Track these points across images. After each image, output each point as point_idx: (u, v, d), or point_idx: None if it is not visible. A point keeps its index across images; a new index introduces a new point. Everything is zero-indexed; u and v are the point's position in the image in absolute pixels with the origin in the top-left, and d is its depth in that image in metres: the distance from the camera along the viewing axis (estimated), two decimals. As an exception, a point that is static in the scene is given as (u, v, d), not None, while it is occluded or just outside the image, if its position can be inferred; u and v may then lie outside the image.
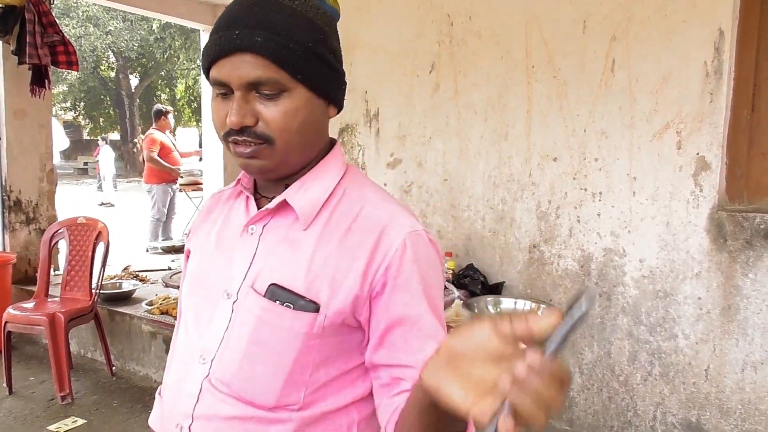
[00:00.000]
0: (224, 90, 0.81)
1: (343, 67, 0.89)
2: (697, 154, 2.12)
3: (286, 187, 0.87)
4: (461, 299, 2.39)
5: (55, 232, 3.64)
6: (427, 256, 0.84)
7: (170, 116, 6.62)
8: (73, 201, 11.34)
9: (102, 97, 24.66)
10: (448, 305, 2.37)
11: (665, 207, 2.20)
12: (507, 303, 2.37)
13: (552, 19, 2.38)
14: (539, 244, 2.50)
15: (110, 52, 21.52)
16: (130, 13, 6.56)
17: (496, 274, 2.61)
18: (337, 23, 0.89)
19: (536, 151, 2.47)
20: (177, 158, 6.57)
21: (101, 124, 26.35)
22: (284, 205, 0.86)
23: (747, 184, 2.15)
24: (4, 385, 3.31)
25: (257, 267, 0.86)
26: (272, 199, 0.89)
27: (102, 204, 13.56)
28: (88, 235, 3.60)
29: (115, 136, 27.10)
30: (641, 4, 2.18)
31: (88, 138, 25.92)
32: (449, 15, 2.65)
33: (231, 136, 0.81)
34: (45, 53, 4.08)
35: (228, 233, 0.93)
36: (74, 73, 5.24)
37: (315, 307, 0.81)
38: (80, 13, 18.66)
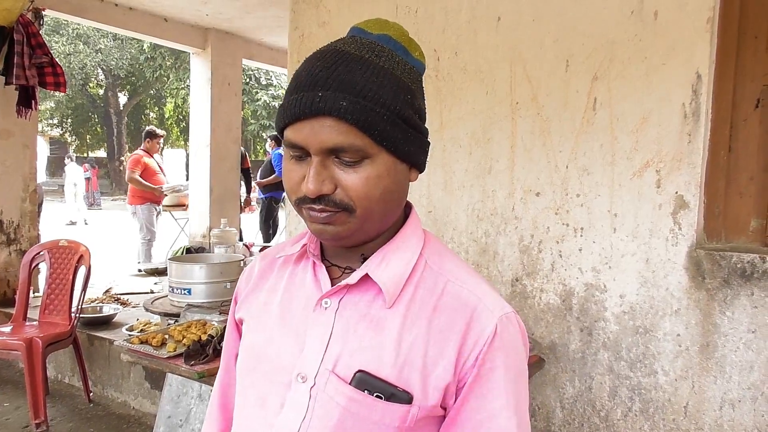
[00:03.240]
0: (300, 153, 0.75)
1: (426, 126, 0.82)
2: (676, 192, 2.16)
3: (362, 257, 0.81)
4: (444, 332, 2.39)
5: (35, 255, 3.62)
6: (514, 343, 0.78)
7: (161, 141, 6.60)
8: (44, 219, 11.17)
9: (90, 114, 24.62)
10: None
11: (645, 244, 2.23)
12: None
13: (536, 57, 2.43)
14: (522, 278, 2.52)
15: (99, 69, 21.55)
16: (124, 34, 6.58)
17: (479, 307, 2.61)
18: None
19: (519, 186, 2.51)
20: (162, 181, 6.54)
21: (88, 141, 26.26)
22: (364, 279, 0.79)
23: (725, 223, 2.19)
24: (-22, 411, 3.25)
25: (336, 348, 0.78)
26: (344, 269, 0.83)
27: (71, 223, 13.38)
28: (70, 258, 3.57)
29: (101, 153, 26.97)
30: (622, 46, 2.23)
31: (75, 155, 25.70)
32: (436, 50, 2.70)
33: (306, 203, 0.75)
34: (33, 74, 4.09)
35: (295, 306, 0.84)
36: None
37: (408, 398, 0.74)
38: (70, 31, 18.71)
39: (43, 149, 6.06)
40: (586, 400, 2.38)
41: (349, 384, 0.75)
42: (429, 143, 0.83)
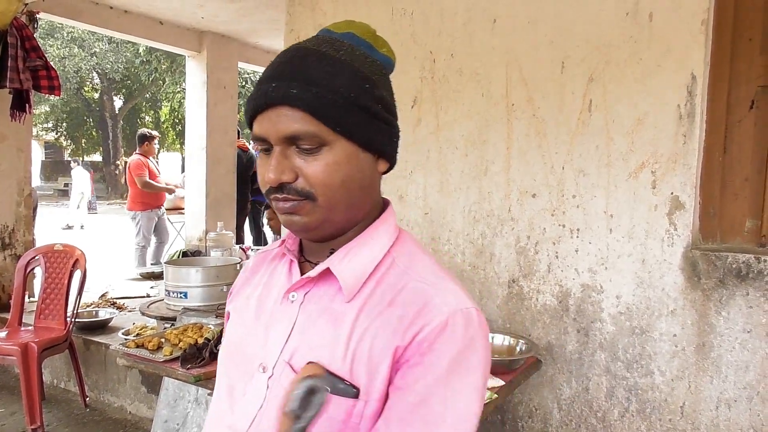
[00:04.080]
0: (265, 146, 0.77)
1: (396, 118, 0.84)
2: (672, 193, 2.17)
3: (331, 251, 0.82)
4: (441, 334, 2.39)
5: (30, 259, 3.60)
6: (470, 339, 0.74)
7: (155, 142, 6.56)
8: (39, 223, 11.13)
9: (85, 118, 24.55)
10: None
11: (641, 245, 2.24)
12: (486, 338, 2.37)
13: (531, 59, 2.44)
14: (518, 279, 2.52)
15: (95, 73, 21.49)
16: (119, 37, 6.56)
17: (476, 309, 2.61)
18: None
19: (516, 187, 2.51)
20: (161, 183, 6.52)
21: (83, 145, 26.19)
22: (328, 273, 0.80)
23: (720, 223, 2.20)
24: (-27, 416, 3.23)
25: (295, 340, 0.79)
26: (314, 263, 0.83)
27: (68, 227, 13.30)
28: (65, 263, 3.56)
29: (97, 157, 26.89)
30: (617, 48, 2.24)
31: (69, 159, 25.65)
32: (432, 52, 2.70)
33: (272, 193, 0.77)
34: (27, 77, 4.07)
35: (268, 299, 0.87)
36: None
37: (354, 393, 0.73)
38: (65, 34, 18.65)
39: (37, 153, 6.05)
40: (583, 401, 2.38)
41: None
42: (398, 134, 0.84)
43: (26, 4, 4.14)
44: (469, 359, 0.74)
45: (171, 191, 6.53)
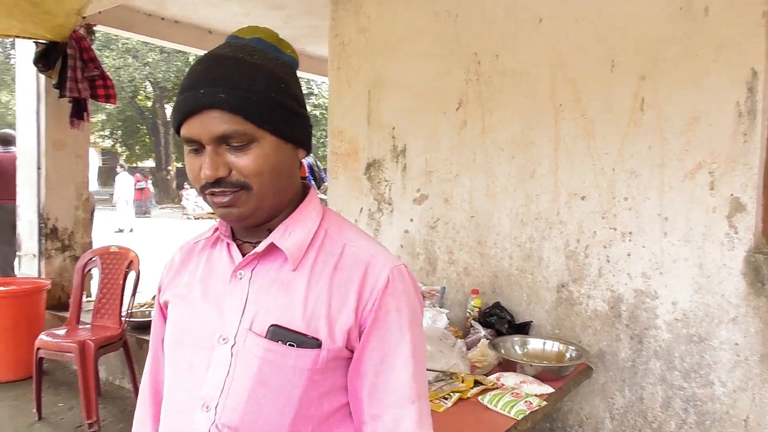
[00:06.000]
0: (195, 146, 0.85)
1: (307, 111, 0.93)
2: (731, 195, 2.07)
3: (268, 232, 0.91)
4: (487, 338, 2.35)
5: (88, 260, 3.73)
6: (406, 291, 0.90)
7: None
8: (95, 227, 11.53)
9: (138, 125, 25.42)
10: (473, 344, 2.34)
11: (698, 249, 2.14)
12: (535, 343, 2.32)
13: (578, 58, 2.38)
14: (568, 284, 2.46)
15: (147, 82, 22.23)
16: (168, 47, 6.75)
17: (524, 313, 2.57)
18: (297, 70, 0.94)
19: (564, 189, 2.45)
20: None
21: (137, 151, 27.10)
22: (271, 248, 0.90)
23: (784, 226, 2.09)
24: (34, 410, 3.37)
25: (252, 310, 0.88)
26: (254, 243, 0.92)
27: (119, 230, 13.73)
28: (120, 264, 3.67)
29: (150, 163, 27.78)
30: (670, 44, 2.16)
31: (126, 165, 26.56)
32: (476, 54, 2.67)
33: (207, 188, 0.85)
34: (84, 87, 4.23)
35: (214, 281, 0.94)
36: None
37: (317, 344, 0.85)
38: (120, 45, 19.36)
39: (94, 159, 6.30)
40: (638, 411, 2.30)
41: (265, 337, 0.86)
42: (311, 126, 0.93)
43: (84, 17, 4.31)
44: (411, 310, 0.90)
45: None
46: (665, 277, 2.22)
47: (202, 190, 0.86)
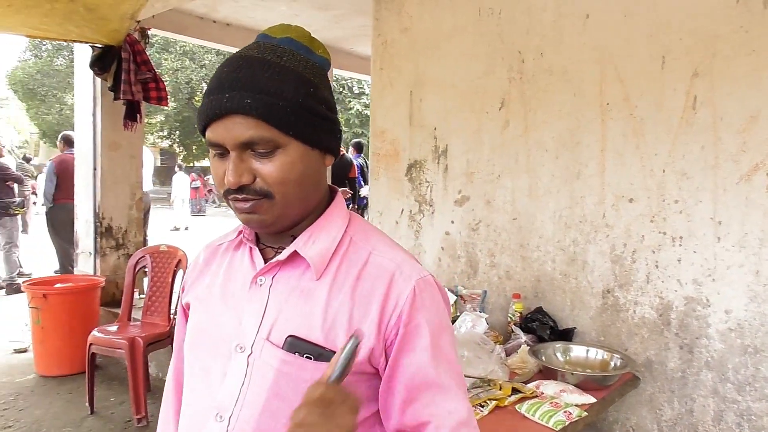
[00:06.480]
0: (221, 150, 0.83)
1: (337, 114, 0.90)
2: (792, 198, 1.94)
3: (292, 238, 0.88)
4: (528, 344, 2.29)
5: (138, 259, 3.85)
6: (435, 302, 0.87)
7: None
8: (152, 225, 11.91)
9: (195, 126, 26.11)
10: (513, 350, 2.28)
11: (754, 255, 2.02)
12: (578, 351, 2.25)
13: (627, 55, 2.28)
14: (613, 290, 2.36)
15: (204, 84, 22.85)
16: (222, 49, 6.90)
17: (567, 319, 2.49)
18: (328, 71, 0.91)
19: (611, 192, 2.36)
20: None
21: (194, 151, 27.90)
22: (294, 256, 0.87)
23: None
24: (87, 404, 3.49)
25: (271, 318, 0.85)
26: (277, 249, 0.90)
27: (175, 228, 14.13)
28: (169, 263, 3.77)
29: (206, 163, 28.57)
30: (725, 40, 2.04)
31: (183, 164, 27.41)
32: (520, 52, 2.61)
33: (230, 194, 0.83)
34: (138, 90, 4.37)
35: (233, 286, 0.92)
36: (171, 103, 5.56)
37: None
38: (178, 48, 19.98)
39: (150, 159, 6.48)
40: (687, 424, 2.19)
41: (281, 348, 0.83)
42: (340, 130, 0.90)
43: (138, 22, 4.45)
44: (441, 322, 0.86)
45: None
46: (718, 284, 2.10)
47: (225, 195, 0.84)
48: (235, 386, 0.85)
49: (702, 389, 2.16)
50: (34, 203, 11.58)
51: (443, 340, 0.86)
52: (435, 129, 2.95)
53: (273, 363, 0.83)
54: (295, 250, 0.86)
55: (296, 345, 0.82)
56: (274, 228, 0.86)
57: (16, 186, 7.01)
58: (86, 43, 4.28)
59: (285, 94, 0.79)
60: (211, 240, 1.07)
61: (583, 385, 1.97)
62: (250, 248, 0.93)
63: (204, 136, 0.84)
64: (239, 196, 0.82)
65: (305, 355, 0.82)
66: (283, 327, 0.84)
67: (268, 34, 0.88)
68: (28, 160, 12.36)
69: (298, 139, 0.81)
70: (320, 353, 0.81)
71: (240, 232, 0.96)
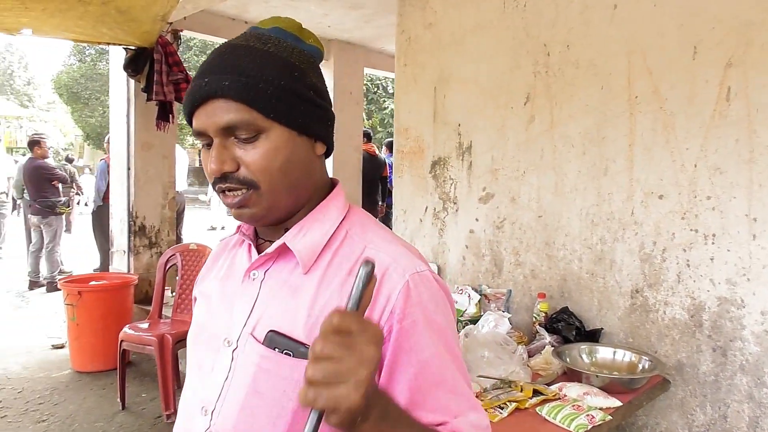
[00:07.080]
0: (207, 140, 0.81)
1: (330, 103, 0.87)
2: (833, 193, 1.84)
3: (285, 230, 0.86)
4: (553, 345, 2.23)
5: (169, 257, 3.91)
6: (433, 298, 0.81)
7: None
8: (188, 224, 12.13)
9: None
10: (537, 351, 2.22)
11: (793, 253, 1.92)
12: (604, 352, 2.17)
13: (657, 46, 2.20)
14: (643, 289, 2.28)
15: (239, 85, 23.19)
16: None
17: (594, 320, 2.41)
18: (320, 62, 0.89)
19: (639, 188, 2.28)
20: None
21: (230, 152, 28.32)
22: (285, 249, 0.84)
23: None
24: (118, 399, 3.57)
25: (258, 313, 0.84)
26: (272, 243, 0.87)
27: (211, 228, 14.32)
28: (198, 261, 3.82)
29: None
30: (760, 28, 1.95)
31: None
32: (546, 45, 2.54)
33: (217, 184, 0.81)
34: (170, 90, 4.44)
35: (231, 281, 0.92)
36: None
37: None
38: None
39: (184, 159, 6.61)
40: (720, 430, 2.10)
41: (262, 343, 0.81)
42: (332, 118, 0.87)
43: (170, 23, 4.52)
44: (441, 318, 0.81)
45: None
46: (753, 284, 2.00)
47: (215, 188, 0.82)
48: (220, 381, 0.84)
49: (736, 394, 2.06)
50: (78, 203, 11.92)
51: (445, 337, 0.81)
52: (459, 125, 2.91)
53: (253, 358, 0.81)
54: (284, 243, 0.84)
55: (275, 340, 0.80)
56: (266, 221, 0.84)
57: (60, 186, 7.23)
58: (119, 45, 4.38)
59: (265, 77, 0.77)
60: (227, 236, 1.06)
61: (608, 388, 1.90)
62: (249, 243, 0.92)
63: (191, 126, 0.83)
64: (224, 186, 0.80)
65: (284, 351, 0.79)
66: (267, 322, 0.82)
67: (258, 26, 0.87)
68: (70, 161, 12.72)
69: (281, 123, 0.79)
70: (300, 350, 0.78)
71: (239, 227, 0.95)
